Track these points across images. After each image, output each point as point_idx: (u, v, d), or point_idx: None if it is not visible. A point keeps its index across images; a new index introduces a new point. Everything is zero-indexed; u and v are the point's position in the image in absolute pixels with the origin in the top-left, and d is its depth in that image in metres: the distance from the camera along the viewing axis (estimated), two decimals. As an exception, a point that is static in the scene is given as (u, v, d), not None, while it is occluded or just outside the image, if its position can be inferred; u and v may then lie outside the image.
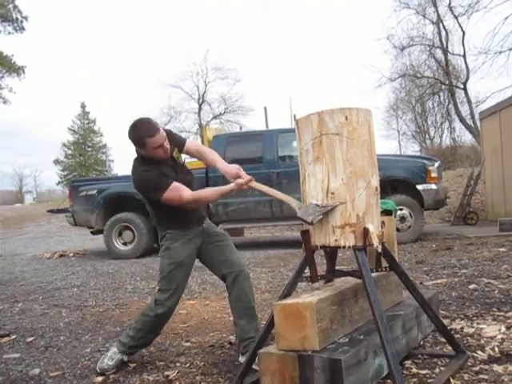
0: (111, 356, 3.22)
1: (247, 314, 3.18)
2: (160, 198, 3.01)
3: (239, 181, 2.98)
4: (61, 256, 10.49)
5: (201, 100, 39.21)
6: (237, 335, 3.23)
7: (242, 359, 3.07)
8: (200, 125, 35.55)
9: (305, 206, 2.52)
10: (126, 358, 3.25)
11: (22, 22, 31.85)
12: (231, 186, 3.02)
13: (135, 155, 3.19)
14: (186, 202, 3.04)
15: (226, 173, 3.09)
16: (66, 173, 50.89)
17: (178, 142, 3.29)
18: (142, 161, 3.13)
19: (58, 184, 52.38)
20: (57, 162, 51.53)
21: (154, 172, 3.03)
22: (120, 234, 9.58)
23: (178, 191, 3.01)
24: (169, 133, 3.23)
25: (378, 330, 2.25)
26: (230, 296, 3.24)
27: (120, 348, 3.24)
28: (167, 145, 3.05)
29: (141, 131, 2.99)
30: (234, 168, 3.07)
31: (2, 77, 31.89)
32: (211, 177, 9.34)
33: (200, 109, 39.29)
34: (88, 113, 51.90)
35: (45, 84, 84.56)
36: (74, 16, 79.47)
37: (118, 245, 9.54)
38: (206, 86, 39.08)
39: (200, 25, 67.01)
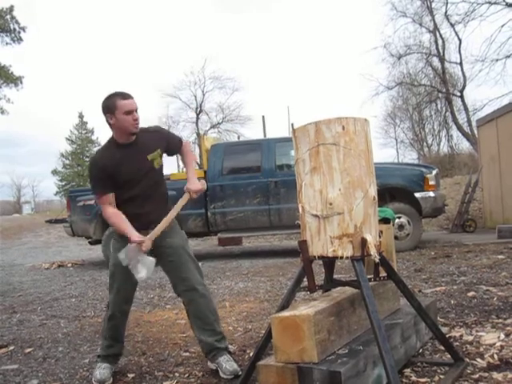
0: (99, 366, 3.23)
1: (206, 329, 3.17)
2: (95, 197, 3.18)
3: (141, 239, 2.94)
4: (59, 266, 10.47)
5: (198, 109, 39.27)
6: (202, 350, 3.23)
7: (210, 365, 3.18)
8: (198, 134, 35.55)
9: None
10: (113, 367, 3.27)
11: (19, 32, 31.91)
12: (135, 238, 2.95)
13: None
14: (103, 215, 3.14)
15: (190, 182, 3.17)
16: (64, 183, 50.95)
17: (169, 144, 3.27)
18: (108, 145, 3.17)
19: (56, 194, 52.53)
20: (55, 172, 51.60)
21: (104, 164, 3.05)
22: (118, 244, 9.53)
23: (103, 202, 3.10)
24: (165, 134, 3.31)
25: (377, 340, 2.25)
26: (188, 314, 3.24)
27: (99, 359, 3.28)
28: (138, 116, 3.04)
29: (113, 95, 3.04)
30: (198, 186, 3.15)
31: (0, 87, 31.92)
32: (209, 186, 9.35)
33: (198, 118, 39.35)
34: (86, 123, 52.08)
35: (43, 94, 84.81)
36: (72, 26, 79.86)
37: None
38: (203, 95, 39.18)
39: (198, 35, 67.24)
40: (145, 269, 2.90)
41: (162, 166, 3.25)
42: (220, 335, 3.22)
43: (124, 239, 3.06)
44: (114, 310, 3.23)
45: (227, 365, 3.05)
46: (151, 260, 2.94)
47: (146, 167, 3.12)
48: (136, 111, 3.04)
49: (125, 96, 3.03)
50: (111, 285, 3.23)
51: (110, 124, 3.09)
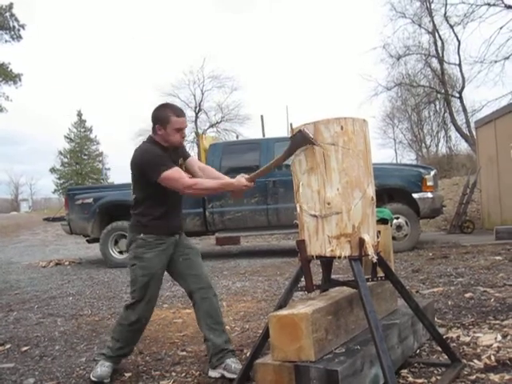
0: (102, 364, 3.21)
1: (217, 329, 3.17)
2: (159, 176, 2.95)
3: (242, 179, 2.92)
4: (56, 264, 10.45)
5: (197, 108, 39.30)
6: (208, 351, 3.17)
7: (212, 373, 3.09)
8: (197, 133, 35.54)
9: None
10: (114, 367, 3.24)
11: (19, 30, 31.97)
12: (232, 180, 2.97)
13: (140, 144, 3.21)
14: (185, 188, 2.98)
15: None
16: (62, 181, 50.89)
17: (185, 154, 3.32)
18: (151, 144, 3.12)
19: (54, 192, 52.43)
20: (53, 170, 51.52)
21: (159, 150, 3.06)
22: (116, 243, 9.52)
23: (180, 173, 3.01)
24: (184, 148, 3.33)
25: (374, 340, 2.25)
26: (199, 312, 3.21)
27: (103, 358, 3.24)
28: (185, 135, 3.13)
29: (169, 109, 3.07)
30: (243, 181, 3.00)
31: (-1, 85, 31.92)
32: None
33: (197, 117, 39.36)
34: (84, 121, 52.02)
35: (41, 92, 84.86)
36: (72, 23, 79.77)
37: (114, 253, 9.49)
38: (202, 94, 39.20)
39: (197, 34, 67.26)
40: None
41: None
42: (227, 336, 3.22)
43: (158, 244, 3.10)
44: (141, 316, 3.19)
45: (236, 365, 3.02)
46: None
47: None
48: (184, 129, 3.12)
49: (179, 113, 3.06)
50: (143, 293, 3.14)
51: (156, 132, 3.10)
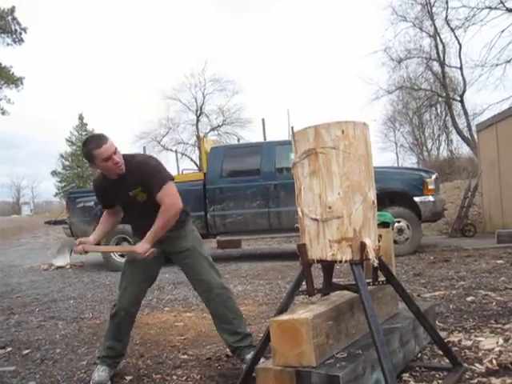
0: (98, 369, 3.22)
1: (226, 329, 3.23)
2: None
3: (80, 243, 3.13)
4: (58, 268, 10.45)
5: (199, 112, 39.25)
6: (227, 346, 3.32)
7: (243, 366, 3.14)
8: (198, 136, 35.52)
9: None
10: (111, 370, 3.26)
11: (20, 33, 32.00)
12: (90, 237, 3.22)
13: None
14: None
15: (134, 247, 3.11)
16: (63, 184, 50.87)
17: (147, 187, 3.04)
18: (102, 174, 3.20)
19: (55, 195, 52.41)
20: (54, 173, 51.52)
21: (101, 186, 3.25)
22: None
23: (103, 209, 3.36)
24: (148, 175, 3.02)
25: (375, 345, 2.25)
26: (210, 312, 3.31)
27: (99, 361, 3.27)
28: (118, 158, 2.99)
29: (89, 144, 2.99)
30: (143, 249, 2.99)
31: (1, 88, 31.98)
32: (208, 189, 9.37)
33: (198, 120, 39.32)
34: (86, 124, 51.99)
35: (43, 95, 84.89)
36: (73, 27, 79.81)
37: (116, 257, 9.47)
38: (204, 97, 39.14)
39: (199, 37, 67.35)
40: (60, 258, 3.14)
41: (149, 197, 3.07)
42: (240, 335, 3.23)
43: (136, 239, 3.24)
44: (119, 307, 3.23)
45: None
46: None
47: (131, 200, 3.12)
48: (115, 153, 2.98)
49: (99, 143, 2.95)
50: (121, 282, 3.28)
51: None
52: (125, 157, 3.07)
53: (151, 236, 3.00)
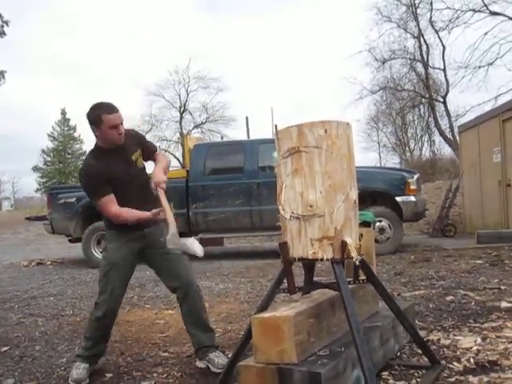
0: (77, 366, 3.19)
1: (199, 325, 3.26)
2: (96, 203, 3.13)
3: (155, 211, 3.09)
4: (38, 264, 10.36)
5: (182, 109, 39.15)
6: (193, 344, 3.31)
7: (199, 364, 3.23)
8: (181, 134, 35.45)
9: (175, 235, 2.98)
10: (91, 367, 3.23)
11: (2, 26, 31.53)
12: (148, 214, 3.10)
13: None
14: (110, 217, 3.13)
15: (154, 176, 3.16)
16: (45, 180, 50.29)
17: (145, 148, 3.33)
18: (94, 152, 3.20)
19: (36, 191, 51.83)
20: (36, 168, 50.92)
21: (99, 171, 3.09)
22: (99, 243, 9.41)
23: (107, 204, 3.11)
24: (140, 137, 3.37)
25: (355, 343, 2.26)
26: (182, 309, 3.30)
27: (79, 359, 3.24)
28: (123, 129, 3.08)
29: (99, 108, 3.04)
30: (161, 176, 3.14)
31: (-19, 82, 31.54)
32: (191, 186, 9.35)
33: (181, 118, 39.23)
34: (68, 119, 51.43)
35: (25, 89, 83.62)
36: (56, 21, 78.98)
37: (97, 253, 9.39)
38: (187, 94, 39.04)
39: (183, 34, 67.10)
40: (196, 247, 3.13)
41: (144, 167, 3.33)
42: (212, 332, 3.31)
43: (121, 237, 3.19)
44: (107, 310, 3.18)
45: (219, 359, 3.11)
46: (192, 239, 3.22)
47: (132, 167, 3.20)
48: (121, 124, 3.07)
49: (110, 110, 3.03)
50: (105, 284, 3.19)
51: (95, 134, 3.13)
52: None
53: (162, 169, 3.20)
